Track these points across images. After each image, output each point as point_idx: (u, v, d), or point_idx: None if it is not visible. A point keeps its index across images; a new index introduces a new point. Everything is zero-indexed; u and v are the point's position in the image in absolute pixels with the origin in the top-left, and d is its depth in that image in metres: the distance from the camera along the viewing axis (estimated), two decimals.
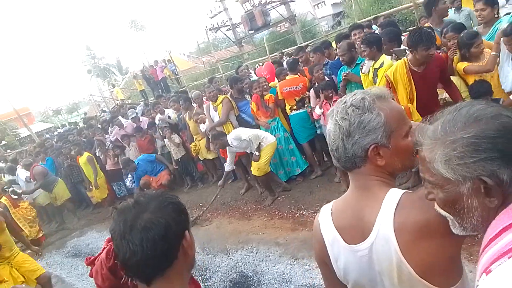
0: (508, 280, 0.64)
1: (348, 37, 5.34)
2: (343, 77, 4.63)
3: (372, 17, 8.71)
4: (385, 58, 4.08)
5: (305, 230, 4.48)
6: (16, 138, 20.23)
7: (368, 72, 4.24)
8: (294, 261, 3.95)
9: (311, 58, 5.80)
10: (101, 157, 8.39)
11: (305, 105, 5.49)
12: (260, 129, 5.74)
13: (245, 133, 5.32)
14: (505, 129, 0.74)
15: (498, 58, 3.58)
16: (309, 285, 3.50)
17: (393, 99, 1.14)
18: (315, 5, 33.40)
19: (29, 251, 4.69)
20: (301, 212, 4.97)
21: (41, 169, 8.19)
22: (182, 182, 7.85)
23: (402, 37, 4.63)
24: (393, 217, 1.01)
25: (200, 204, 6.51)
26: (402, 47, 4.26)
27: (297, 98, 5.50)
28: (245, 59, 18.51)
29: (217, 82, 8.72)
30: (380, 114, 1.04)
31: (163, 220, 0.99)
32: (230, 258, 4.54)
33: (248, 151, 5.50)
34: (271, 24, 20.44)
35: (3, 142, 18.27)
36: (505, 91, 3.57)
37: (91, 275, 1.07)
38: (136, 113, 9.84)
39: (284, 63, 7.21)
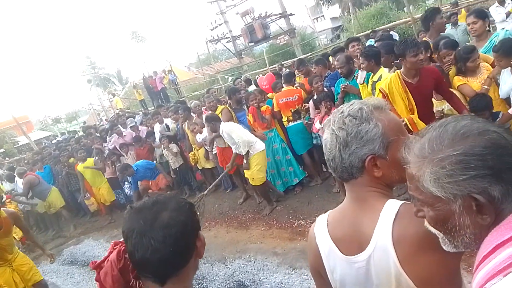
0: None
1: (344, 50, 5.43)
2: (342, 89, 4.69)
3: (369, 31, 8.84)
4: (383, 71, 4.12)
5: (303, 240, 4.48)
6: (15, 146, 20.17)
7: (367, 84, 4.30)
8: (292, 271, 3.94)
9: (313, 70, 5.89)
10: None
11: (301, 117, 5.55)
12: None
13: (238, 134, 5.23)
14: (493, 145, 0.73)
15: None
16: None
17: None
18: (314, 19, 33.81)
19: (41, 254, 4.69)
20: (299, 222, 4.98)
21: (28, 179, 7.93)
22: (180, 192, 7.85)
23: None
24: (392, 228, 1.00)
25: (198, 213, 6.48)
26: None
27: (293, 109, 5.58)
28: (244, 71, 18.65)
29: (215, 93, 8.79)
30: (378, 125, 1.03)
31: (183, 218, 1.02)
32: (228, 267, 4.52)
33: (233, 150, 5.45)
34: (270, 36, 20.63)
35: (1, 150, 18.22)
36: (500, 97, 3.61)
37: (97, 279, 1.07)
38: (135, 122, 9.89)
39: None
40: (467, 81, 3.75)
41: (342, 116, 1.07)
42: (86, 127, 14.96)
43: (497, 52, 3.37)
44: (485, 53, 3.91)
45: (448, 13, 6.17)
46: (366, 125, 1.03)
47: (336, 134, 1.06)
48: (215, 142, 6.00)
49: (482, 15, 3.98)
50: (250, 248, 4.79)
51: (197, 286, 4.33)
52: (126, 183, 8.18)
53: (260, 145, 5.33)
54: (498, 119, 3.42)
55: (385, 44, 4.61)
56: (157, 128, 8.05)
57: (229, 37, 21.02)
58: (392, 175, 1.06)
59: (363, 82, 4.38)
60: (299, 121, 5.59)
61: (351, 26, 16.79)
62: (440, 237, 0.85)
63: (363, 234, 1.06)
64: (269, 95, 6.28)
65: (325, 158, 1.13)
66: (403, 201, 1.05)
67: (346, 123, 1.05)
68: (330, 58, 6.13)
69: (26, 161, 11.44)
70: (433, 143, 0.79)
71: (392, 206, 1.03)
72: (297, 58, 10.00)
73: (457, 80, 3.81)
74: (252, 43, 20.40)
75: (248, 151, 5.23)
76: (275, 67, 12.41)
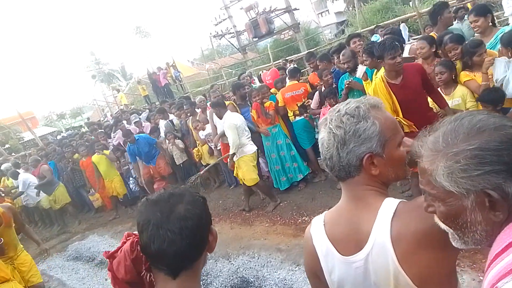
0: None
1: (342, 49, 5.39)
2: (346, 85, 4.66)
3: (374, 26, 8.76)
4: None
5: None
6: (20, 142, 20.27)
7: (371, 81, 4.26)
8: (296, 267, 3.94)
9: (319, 65, 5.88)
10: None
11: (308, 111, 5.53)
12: (260, 136, 5.80)
13: (233, 133, 5.23)
14: (509, 140, 0.71)
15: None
16: None
17: None
18: (318, 14, 33.64)
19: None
20: (303, 218, 4.97)
21: (48, 167, 8.48)
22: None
23: (408, 46, 4.66)
24: (390, 226, 0.99)
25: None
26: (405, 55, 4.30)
27: (299, 103, 5.55)
28: (248, 66, 18.59)
29: (219, 89, 8.78)
30: (375, 123, 1.03)
31: (198, 211, 1.04)
32: (232, 264, 4.53)
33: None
34: (275, 31, 20.50)
35: (7, 146, 18.32)
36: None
37: (110, 268, 1.07)
38: (140, 118, 9.90)
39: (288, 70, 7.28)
40: (474, 76, 3.68)
41: (339, 114, 1.07)
42: (89, 123, 15.01)
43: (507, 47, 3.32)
44: (491, 48, 3.85)
45: (455, 7, 6.08)
46: (364, 123, 1.03)
47: (333, 132, 1.06)
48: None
49: (483, 12, 3.91)
50: (254, 244, 4.79)
51: (201, 282, 4.34)
52: (130, 178, 8.21)
53: (249, 149, 5.37)
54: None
55: (389, 39, 4.56)
56: (162, 124, 8.05)
57: (233, 32, 20.92)
58: (389, 173, 1.07)
59: (366, 78, 4.35)
60: (305, 115, 5.60)
61: (356, 21, 16.63)
62: (449, 232, 0.84)
63: (361, 232, 1.06)
64: (272, 90, 6.26)
65: (322, 157, 1.13)
66: (400, 200, 1.05)
67: (344, 121, 1.05)
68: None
69: (31, 157, 11.49)
70: (448, 136, 0.78)
71: (390, 204, 1.03)
72: (307, 51, 9.96)
73: (464, 76, 3.75)
74: (256, 38, 20.28)
75: (234, 153, 5.31)
76: (279, 62, 12.36)
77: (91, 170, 8.29)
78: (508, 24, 4.02)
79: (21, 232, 4.24)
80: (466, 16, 4.94)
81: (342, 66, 4.88)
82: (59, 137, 15.41)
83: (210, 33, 20.75)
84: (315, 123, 5.50)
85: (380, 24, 9.25)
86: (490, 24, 3.97)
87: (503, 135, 0.72)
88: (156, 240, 0.98)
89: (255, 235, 5.04)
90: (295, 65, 8.97)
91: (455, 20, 5.18)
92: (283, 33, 21.54)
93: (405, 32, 6.96)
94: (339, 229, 1.13)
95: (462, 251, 3.29)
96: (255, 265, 4.30)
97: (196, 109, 7.00)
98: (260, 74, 10.42)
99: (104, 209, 8.86)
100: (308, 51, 9.78)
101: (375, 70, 4.17)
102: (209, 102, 6.83)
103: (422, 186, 0.86)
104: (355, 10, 17.16)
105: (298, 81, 5.91)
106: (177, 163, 7.44)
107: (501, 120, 0.76)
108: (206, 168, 6.38)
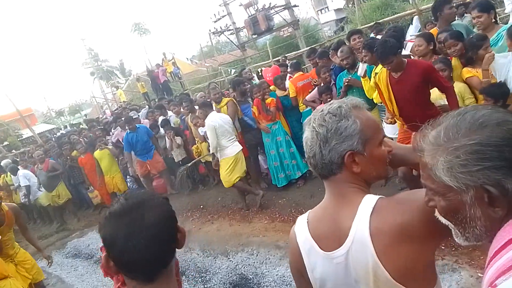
0: None
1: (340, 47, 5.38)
2: (345, 83, 4.64)
3: (373, 23, 8.71)
4: None
5: None
6: (18, 139, 20.23)
7: (370, 77, 4.24)
8: None
9: (318, 63, 5.88)
10: None
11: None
12: (260, 132, 5.78)
13: (211, 135, 5.25)
14: None
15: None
16: None
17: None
18: (318, 11, 33.53)
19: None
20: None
21: (54, 162, 8.53)
22: (184, 185, 7.84)
23: (408, 43, 4.64)
24: (369, 221, 1.02)
25: (201, 206, 6.51)
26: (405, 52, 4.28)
27: (311, 90, 5.61)
28: (248, 63, 18.55)
29: (217, 86, 8.74)
30: (356, 122, 1.06)
31: (166, 213, 1.03)
32: (230, 260, 4.53)
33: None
34: (274, 28, 20.41)
35: (5, 143, 18.27)
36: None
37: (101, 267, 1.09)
38: (138, 115, 9.87)
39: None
40: (477, 72, 3.63)
41: (322, 114, 1.11)
42: (88, 120, 14.96)
43: None
44: (492, 46, 3.82)
45: (455, 3, 6.03)
46: (345, 121, 1.07)
47: (316, 131, 1.09)
48: None
49: (486, 8, 3.86)
50: (253, 241, 4.79)
51: (200, 279, 4.35)
52: (128, 176, 8.20)
53: (230, 151, 5.36)
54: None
55: (389, 35, 4.52)
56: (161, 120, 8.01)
57: (232, 29, 20.83)
58: (370, 171, 1.09)
59: (365, 75, 4.33)
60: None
61: (355, 18, 16.59)
62: (451, 228, 0.85)
63: (342, 228, 1.08)
64: (271, 87, 6.24)
65: (306, 156, 1.16)
66: (380, 196, 1.07)
67: (326, 120, 1.08)
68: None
69: (29, 155, 11.47)
70: (449, 131, 0.78)
71: (370, 200, 1.05)
72: (308, 47, 9.94)
73: (466, 72, 3.71)
74: (256, 35, 20.21)
75: (213, 153, 5.37)
76: (279, 59, 12.33)
77: (90, 167, 8.25)
78: (508, 22, 3.98)
79: (24, 236, 4.23)
80: (468, 14, 4.92)
81: (340, 62, 4.85)
82: (58, 134, 15.38)
83: (209, 30, 20.71)
84: None
85: (380, 21, 9.22)
86: (493, 21, 3.94)
87: (506, 130, 0.71)
88: (129, 251, 0.95)
89: (254, 232, 5.04)
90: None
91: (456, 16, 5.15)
92: (282, 30, 21.44)
93: (416, 24, 6.89)
94: (322, 226, 1.15)
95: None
96: (254, 262, 4.30)
97: (195, 106, 6.97)
98: (259, 71, 10.39)
99: (103, 205, 8.85)
100: (310, 47, 9.76)
101: (374, 67, 4.15)
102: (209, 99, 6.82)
103: (423, 180, 0.86)
104: (354, 7, 17.14)
105: (303, 73, 6.05)
106: (176, 160, 7.42)
107: (505, 115, 0.75)
108: (189, 164, 6.56)
